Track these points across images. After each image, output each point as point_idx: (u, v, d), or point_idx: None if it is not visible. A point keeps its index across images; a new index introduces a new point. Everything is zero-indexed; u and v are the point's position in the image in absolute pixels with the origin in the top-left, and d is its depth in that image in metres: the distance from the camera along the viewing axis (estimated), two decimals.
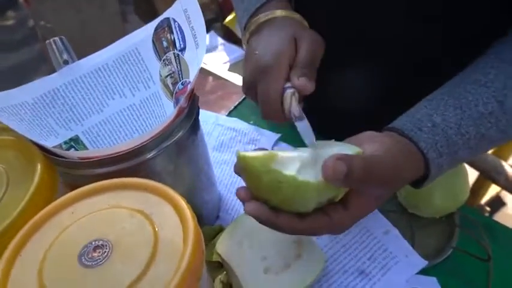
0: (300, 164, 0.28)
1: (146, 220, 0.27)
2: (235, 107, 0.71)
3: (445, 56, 0.44)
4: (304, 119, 0.33)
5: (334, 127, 0.57)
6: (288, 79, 0.36)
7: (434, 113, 0.35)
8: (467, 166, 1.35)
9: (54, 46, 0.40)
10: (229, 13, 1.86)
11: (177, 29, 0.39)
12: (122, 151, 0.32)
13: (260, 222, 0.31)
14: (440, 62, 0.45)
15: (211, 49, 2.03)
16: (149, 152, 0.34)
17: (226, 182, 0.53)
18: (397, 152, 0.32)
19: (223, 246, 0.41)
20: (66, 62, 0.40)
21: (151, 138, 0.33)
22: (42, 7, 1.90)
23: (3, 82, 2.64)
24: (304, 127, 0.32)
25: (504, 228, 0.50)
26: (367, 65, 0.49)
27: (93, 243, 0.25)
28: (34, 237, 0.27)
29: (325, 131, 0.47)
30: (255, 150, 0.31)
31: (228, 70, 1.81)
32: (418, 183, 0.36)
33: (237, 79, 0.90)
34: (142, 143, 0.33)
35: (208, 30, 2.35)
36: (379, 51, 0.47)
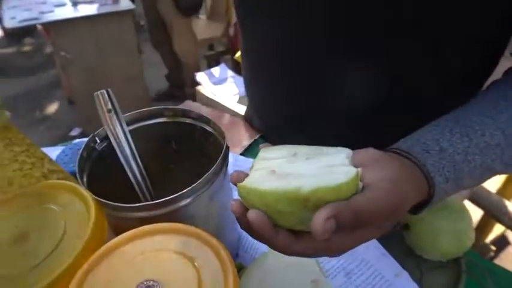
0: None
1: (190, 263, 0.30)
2: (250, 145, 0.75)
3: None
4: None
5: (331, 131, 0.54)
6: None
7: (441, 138, 0.35)
8: (472, 205, 1.36)
9: (100, 97, 0.45)
10: (240, 47, 1.94)
11: None
12: (162, 199, 0.36)
13: (258, 237, 0.30)
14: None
15: (221, 81, 2.11)
16: (185, 199, 0.38)
17: None
18: (401, 181, 0.30)
19: (244, 285, 0.44)
20: (109, 111, 0.45)
21: (189, 188, 0.37)
22: (62, 38, 2.00)
23: (19, 104, 2.72)
24: None
25: (509, 273, 0.53)
26: (368, 68, 0.48)
27: (145, 283, 0.29)
28: (90, 276, 0.30)
29: (323, 136, 0.45)
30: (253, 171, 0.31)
31: (237, 102, 1.89)
32: (417, 208, 0.35)
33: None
34: (181, 192, 0.37)
35: (218, 63, 2.46)
36: (382, 53, 0.46)
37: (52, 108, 2.75)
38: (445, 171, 0.34)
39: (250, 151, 0.74)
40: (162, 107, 0.48)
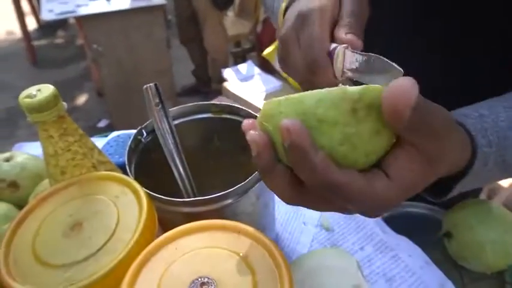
0: None
1: (243, 261, 0.30)
2: None
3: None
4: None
5: None
6: (332, 39, 0.32)
7: (480, 108, 0.32)
8: None
9: (149, 91, 0.45)
10: (266, 44, 1.93)
11: None
12: (210, 196, 0.36)
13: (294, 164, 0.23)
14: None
15: (247, 78, 2.11)
16: (235, 196, 0.37)
17: (282, 220, 0.56)
18: (452, 125, 0.26)
19: None
20: (157, 105, 0.46)
21: (240, 185, 0.37)
22: (94, 31, 2.04)
23: None
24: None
25: None
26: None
27: (199, 279, 0.29)
28: (145, 270, 0.30)
29: None
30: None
31: (264, 99, 1.88)
32: (450, 182, 0.31)
33: None
34: (232, 189, 0.37)
35: (244, 60, 2.47)
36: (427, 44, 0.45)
37: (81, 99, 2.82)
38: (488, 134, 0.30)
39: None
40: (209, 102, 0.48)
